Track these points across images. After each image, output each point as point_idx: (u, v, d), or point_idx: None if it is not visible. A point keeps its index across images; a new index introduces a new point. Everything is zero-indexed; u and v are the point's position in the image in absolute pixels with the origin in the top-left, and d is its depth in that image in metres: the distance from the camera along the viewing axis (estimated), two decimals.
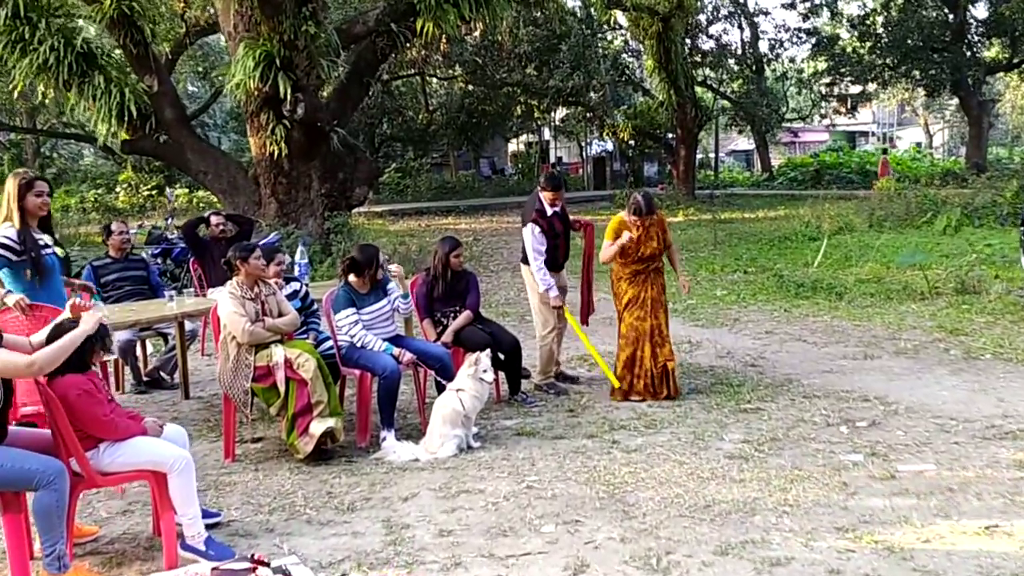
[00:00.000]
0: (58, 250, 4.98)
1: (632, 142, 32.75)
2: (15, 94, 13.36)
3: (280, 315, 5.17)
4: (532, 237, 6.32)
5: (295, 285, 5.80)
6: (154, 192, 25.80)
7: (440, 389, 5.44)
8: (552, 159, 40.96)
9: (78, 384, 3.48)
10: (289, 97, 11.51)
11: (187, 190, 25.48)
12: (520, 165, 39.88)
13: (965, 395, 5.90)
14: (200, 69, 27.78)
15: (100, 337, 3.56)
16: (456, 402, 5.12)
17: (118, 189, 27.54)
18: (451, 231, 20.71)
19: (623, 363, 6.09)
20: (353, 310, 5.44)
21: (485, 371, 5.20)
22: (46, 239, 4.90)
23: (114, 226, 6.95)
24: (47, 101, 14.40)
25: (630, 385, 6.08)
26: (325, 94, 14.47)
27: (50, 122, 27.01)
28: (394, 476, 4.75)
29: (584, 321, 6.75)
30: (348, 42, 13.79)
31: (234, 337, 4.94)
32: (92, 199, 25.52)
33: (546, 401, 6.20)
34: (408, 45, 16.58)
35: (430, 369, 5.58)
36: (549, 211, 6.43)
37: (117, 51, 13.32)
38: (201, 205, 22.79)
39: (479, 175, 37.97)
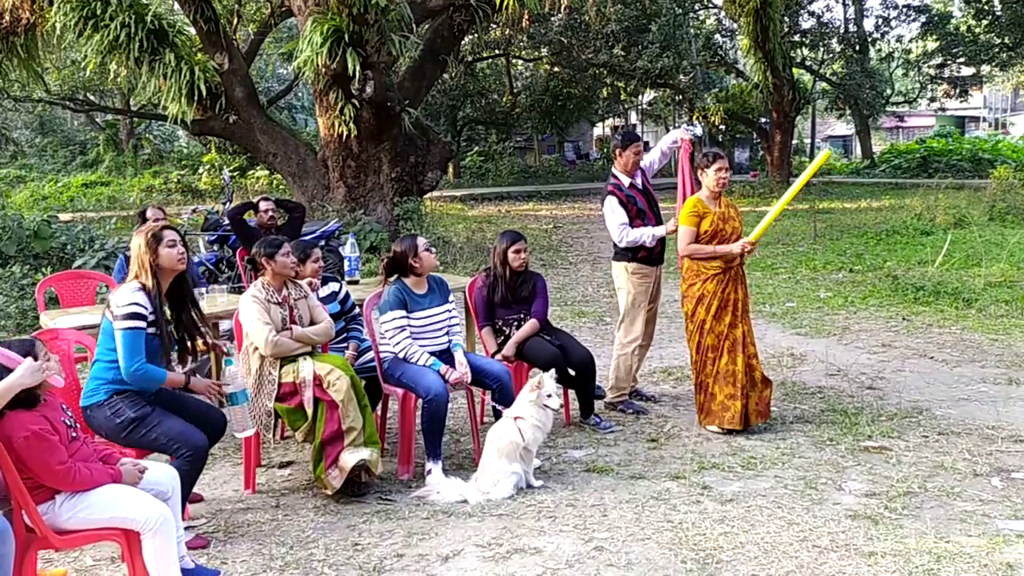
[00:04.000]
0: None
1: (723, 126, 31.17)
2: (111, 77, 13.09)
3: (312, 323, 4.41)
4: (612, 211, 5.44)
5: (333, 286, 5.04)
6: (235, 174, 25.69)
7: (497, 414, 4.60)
8: None
9: (25, 424, 2.77)
10: (358, 75, 10.82)
11: (267, 172, 25.27)
12: (605, 149, 38.61)
13: None
14: (285, 51, 27.58)
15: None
16: (514, 433, 4.27)
17: (200, 170, 27.58)
18: (531, 217, 19.87)
19: (704, 380, 5.10)
20: (402, 313, 4.64)
21: (549, 396, 4.33)
22: (169, 314, 3.83)
23: (149, 212, 6.32)
24: (119, 79, 14.09)
25: (710, 411, 5.09)
26: (399, 73, 13.82)
27: (141, 103, 27.25)
28: (435, 524, 3.94)
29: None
30: (423, 17, 13.03)
31: (257, 348, 4.21)
32: (176, 180, 25.57)
33: (623, 426, 5.29)
34: (489, 22, 15.79)
35: (485, 390, 4.74)
36: (626, 182, 5.51)
37: (189, 28, 12.93)
38: (280, 187, 22.52)
39: (563, 159, 36.98)
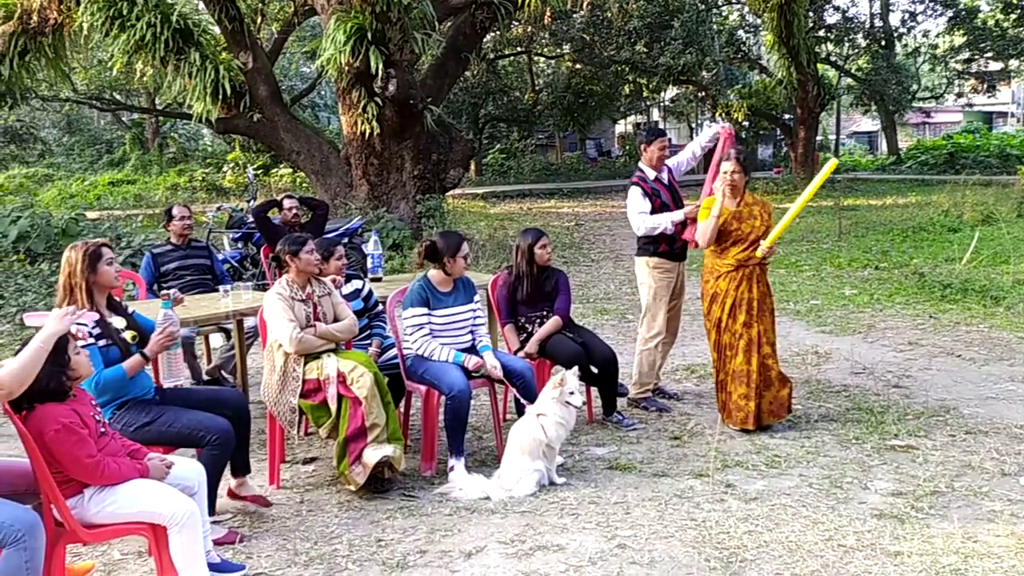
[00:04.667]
0: (131, 334, 3.81)
1: (746, 123, 30.98)
2: (137, 76, 13.26)
3: (336, 319, 4.43)
4: (634, 201, 5.46)
5: (356, 283, 5.05)
6: (259, 172, 25.87)
7: (520, 411, 4.60)
8: None
9: (56, 417, 2.81)
10: (381, 73, 10.85)
11: (291, 170, 25.43)
12: (627, 147, 38.46)
13: None
14: (308, 50, 27.71)
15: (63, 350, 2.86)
16: (537, 430, 4.27)
17: (225, 169, 27.79)
18: (553, 214, 19.85)
19: (723, 378, 5.08)
20: (424, 310, 4.65)
21: (572, 393, 4.32)
22: (117, 322, 3.79)
23: (175, 210, 6.37)
24: (145, 78, 14.24)
25: (727, 409, 5.06)
26: (422, 70, 13.83)
27: (167, 102, 27.52)
28: (458, 520, 3.95)
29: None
30: (445, 15, 13.05)
31: (281, 345, 4.24)
32: (200, 178, 25.78)
33: (646, 424, 5.27)
34: (511, 19, 15.78)
35: (510, 386, 4.73)
36: (651, 175, 5.51)
37: (213, 28, 13.03)
38: (304, 185, 22.66)
39: (584, 157, 36.87)
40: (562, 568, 3.46)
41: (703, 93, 29.61)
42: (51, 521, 2.87)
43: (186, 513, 2.93)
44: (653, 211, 5.46)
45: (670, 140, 5.75)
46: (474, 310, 4.83)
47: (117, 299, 3.89)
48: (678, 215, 5.43)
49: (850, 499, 4.05)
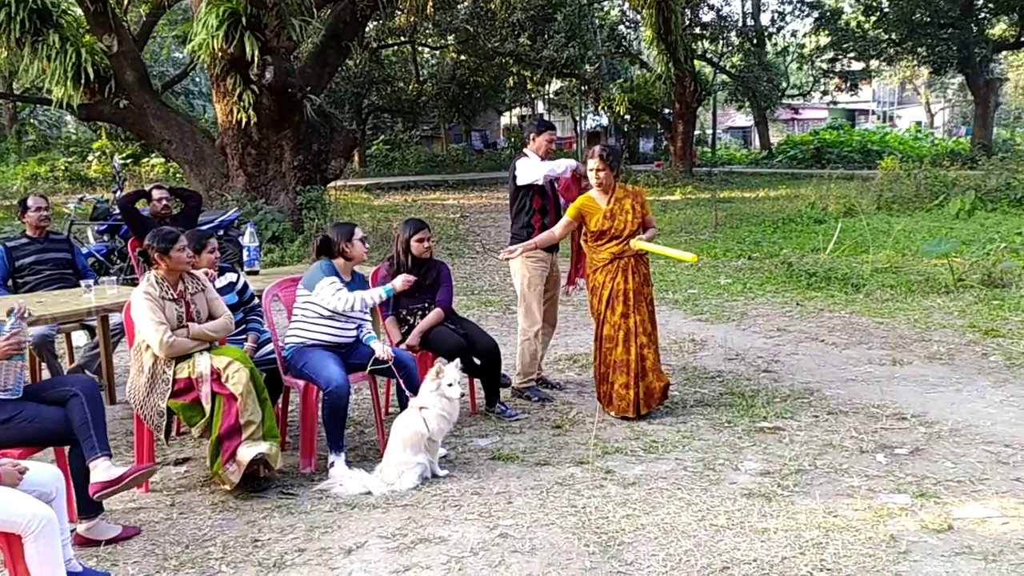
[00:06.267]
0: None
1: (628, 116, 31.71)
2: None
3: (211, 317, 4.26)
4: (527, 164, 5.54)
5: (231, 276, 4.87)
6: (128, 161, 24.66)
7: (403, 404, 4.56)
8: None
9: None
10: (257, 60, 10.52)
11: (163, 160, 24.35)
12: (512, 139, 38.74)
13: (1017, 413, 5.06)
14: (179, 34, 26.56)
15: None
16: (419, 423, 4.24)
17: (91, 158, 26.35)
18: (438, 206, 19.77)
19: (604, 370, 5.19)
20: (335, 278, 4.60)
21: (450, 385, 4.31)
22: None
23: (30, 200, 5.96)
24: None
25: (610, 398, 5.19)
26: (301, 58, 13.49)
27: (25, 86, 25.83)
28: (339, 516, 3.88)
29: (570, 282, 5.87)
30: (324, 1, 12.77)
31: (149, 347, 4.04)
32: (63, 167, 24.36)
33: (529, 414, 5.32)
34: (393, 8, 15.59)
35: (390, 379, 4.69)
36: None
37: (75, 8, 12.31)
38: (177, 176, 21.73)
39: (470, 148, 36.95)
40: (444, 560, 3.45)
41: (586, 86, 30.07)
42: None
43: (42, 520, 2.76)
44: (538, 205, 5.54)
45: (558, 142, 5.86)
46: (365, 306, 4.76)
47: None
48: (572, 161, 5.60)
49: (722, 480, 4.20)
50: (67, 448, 3.59)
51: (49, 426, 3.45)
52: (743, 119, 47.27)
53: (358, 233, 4.71)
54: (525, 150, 5.70)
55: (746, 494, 4.02)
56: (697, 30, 29.64)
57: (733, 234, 13.58)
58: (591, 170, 5.16)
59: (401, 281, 4.75)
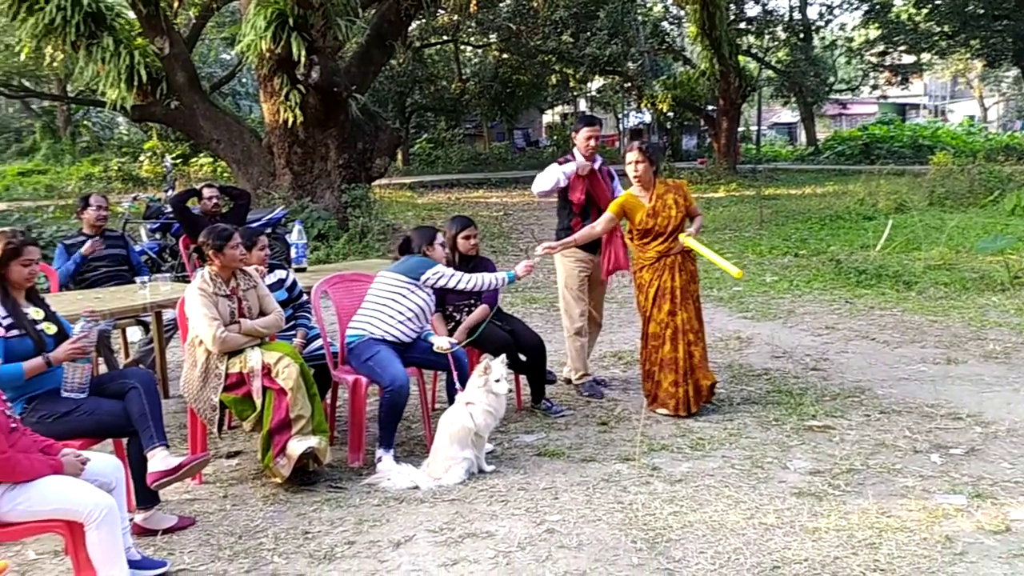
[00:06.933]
0: (49, 327, 3.65)
1: (671, 113, 31.51)
2: (47, 62, 12.68)
3: (262, 313, 4.34)
4: (545, 172, 5.55)
5: (280, 273, 4.95)
6: (178, 161, 25.15)
7: (451, 398, 4.58)
8: None
9: None
10: (303, 60, 10.66)
11: (211, 159, 24.80)
12: (555, 137, 38.71)
13: None
14: (227, 36, 27.03)
15: None
16: (466, 418, 4.26)
17: (142, 158, 26.94)
18: (481, 204, 19.84)
19: (650, 368, 5.16)
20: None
21: (497, 381, 4.32)
22: (34, 313, 3.65)
23: (93, 199, 6.12)
24: (55, 64, 13.68)
25: (656, 396, 5.16)
26: (346, 58, 13.63)
27: (80, 89, 26.47)
28: (387, 510, 3.92)
29: (604, 276, 5.73)
30: (369, 1, 12.88)
31: (202, 341, 4.12)
32: (116, 168, 24.94)
33: (574, 410, 5.32)
34: (436, 7, 15.68)
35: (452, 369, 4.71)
36: (580, 161, 5.53)
37: (127, 12, 12.59)
38: (225, 175, 22.12)
39: (512, 147, 36.97)
40: (491, 554, 3.47)
41: (629, 83, 29.94)
42: None
43: (104, 509, 2.83)
44: (577, 202, 5.51)
45: (601, 140, 5.76)
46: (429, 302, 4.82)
47: (37, 290, 3.72)
48: (570, 167, 5.48)
49: (770, 478, 4.16)
50: (125, 440, 3.68)
51: (108, 418, 3.54)
52: (789, 115, 46.64)
53: (439, 238, 4.83)
54: (574, 150, 5.68)
55: (796, 493, 3.97)
56: (742, 25, 29.33)
57: (779, 231, 13.41)
58: (628, 163, 5.13)
59: (523, 267, 4.80)
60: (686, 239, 5.05)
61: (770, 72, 31.61)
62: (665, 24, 31.02)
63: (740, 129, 31.79)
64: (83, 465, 3.02)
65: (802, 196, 19.23)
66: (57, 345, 3.50)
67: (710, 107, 28.31)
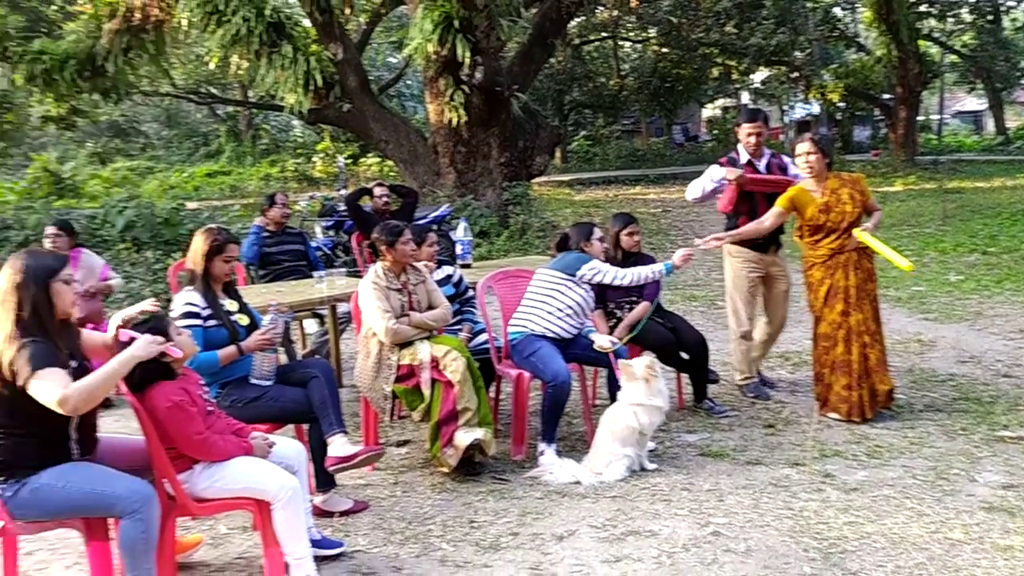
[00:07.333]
0: (242, 318, 3.89)
1: (842, 104, 30.00)
2: (232, 70, 13.72)
3: (430, 307, 4.49)
4: (704, 175, 5.41)
5: (448, 269, 5.10)
6: (348, 161, 26.41)
7: (613, 395, 4.57)
8: None
9: (168, 395, 2.93)
10: (467, 61, 10.92)
11: (379, 159, 25.86)
12: (715, 131, 37.73)
13: None
14: (394, 40, 28.09)
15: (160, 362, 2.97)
16: (631, 417, 4.23)
17: (315, 159, 28.46)
18: (639, 201, 19.65)
19: (821, 370, 4.93)
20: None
21: (656, 379, 4.26)
22: (230, 305, 3.89)
23: (278, 197, 6.55)
24: (239, 72, 14.69)
25: (827, 399, 4.92)
26: (508, 57, 13.85)
27: (260, 95, 28.33)
28: (550, 504, 3.96)
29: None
30: (531, 1, 13.02)
31: (375, 333, 4.31)
32: (292, 168, 26.49)
33: (738, 411, 5.18)
34: (596, 3, 15.65)
35: (604, 367, 4.70)
36: (744, 159, 5.33)
37: (304, 20, 13.35)
38: (391, 174, 23.02)
39: (671, 142, 36.32)
40: (655, 553, 3.43)
41: (796, 74, 28.75)
42: (164, 495, 3.00)
43: (289, 490, 3.02)
44: (738, 200, 5.32)
45: (766, 122, 5.51)
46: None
47: (233, 282, 4.02)
48: (717, 173, 5.28)
49: (957, 491, 3.89)
50: (306, 426, 3.90)
51: (291, 405, 3.77)
52: (975, 103, 43.32)
53: (597, 233, 4.84)
54: (738, 146, 5.52)
55: (986, 507, 3.69)
56: (923, 8, 27.47)
57: (964, 227, 12.50)
58: (799, 155, 4.91)
59: (680, 256, 4.75)
60: (860, 233, 4.79)
61: (954, 57, 29.50)
62: (837, 10, 29.53)
63: (919, 118, 29.85)
64: (270, 448, 3.23)
65: (990, 189, 17.84)
66: (248, 335, 3.76)
67: (886, 96, 26.72)
